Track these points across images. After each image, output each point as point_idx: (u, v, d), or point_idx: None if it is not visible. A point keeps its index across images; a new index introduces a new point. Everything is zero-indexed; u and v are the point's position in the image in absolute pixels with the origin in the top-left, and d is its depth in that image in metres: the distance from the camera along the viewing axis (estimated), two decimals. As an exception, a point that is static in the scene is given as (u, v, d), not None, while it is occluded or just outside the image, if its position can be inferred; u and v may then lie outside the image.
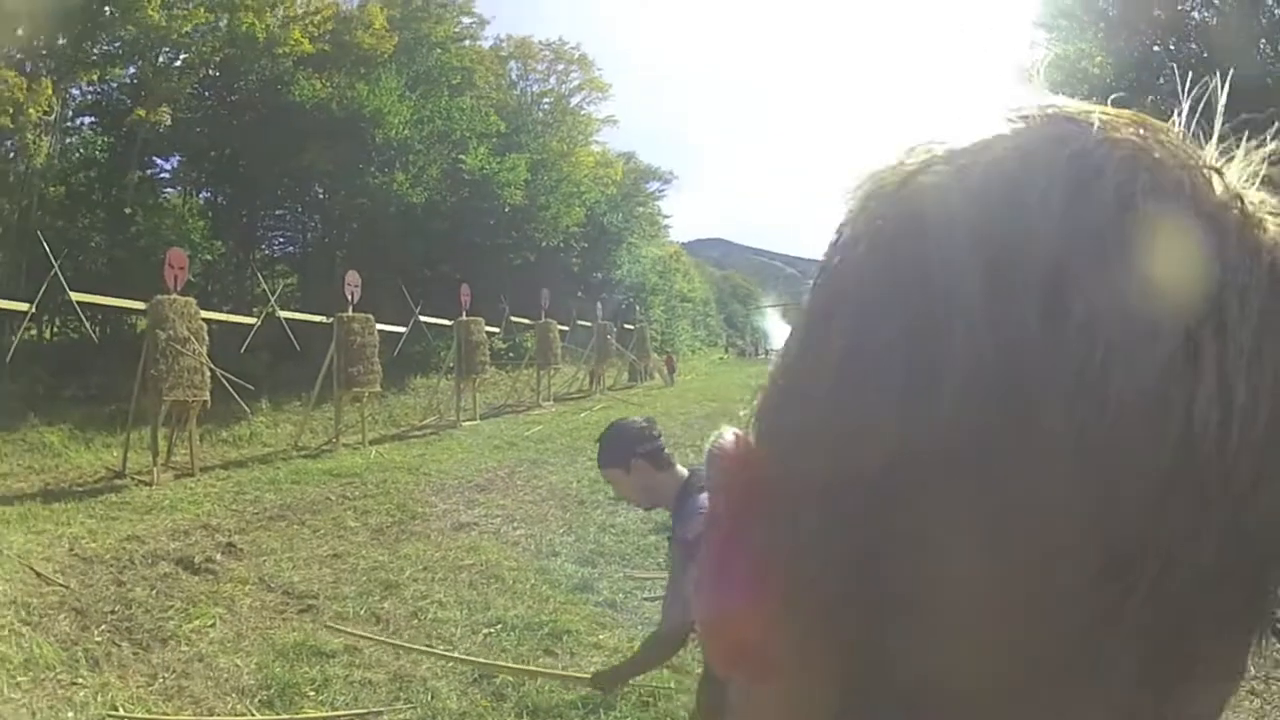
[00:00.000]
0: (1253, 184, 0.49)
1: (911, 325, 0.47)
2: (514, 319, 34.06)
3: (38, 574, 10.62)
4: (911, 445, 0.46)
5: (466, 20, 44.57)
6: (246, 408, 21.30)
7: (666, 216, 69.66)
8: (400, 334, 26.31)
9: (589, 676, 5.57)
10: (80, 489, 16.21)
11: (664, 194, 67.73)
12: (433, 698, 7.72)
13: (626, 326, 48.52)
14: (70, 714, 7.20)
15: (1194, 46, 26.44)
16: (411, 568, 11.45)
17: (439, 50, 40.73)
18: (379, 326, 23.69)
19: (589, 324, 40.84)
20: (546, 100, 55.03)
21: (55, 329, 28.31)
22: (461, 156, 37.58)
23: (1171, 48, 27.15)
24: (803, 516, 0.50)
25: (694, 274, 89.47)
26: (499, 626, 9.35)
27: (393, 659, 8.58)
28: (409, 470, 18.28)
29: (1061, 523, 0.43)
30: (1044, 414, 0.43)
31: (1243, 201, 0.48)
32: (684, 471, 4.39)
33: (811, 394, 0.52)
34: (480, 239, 38.31)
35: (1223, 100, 0.52)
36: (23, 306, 17.24)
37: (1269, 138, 0.51)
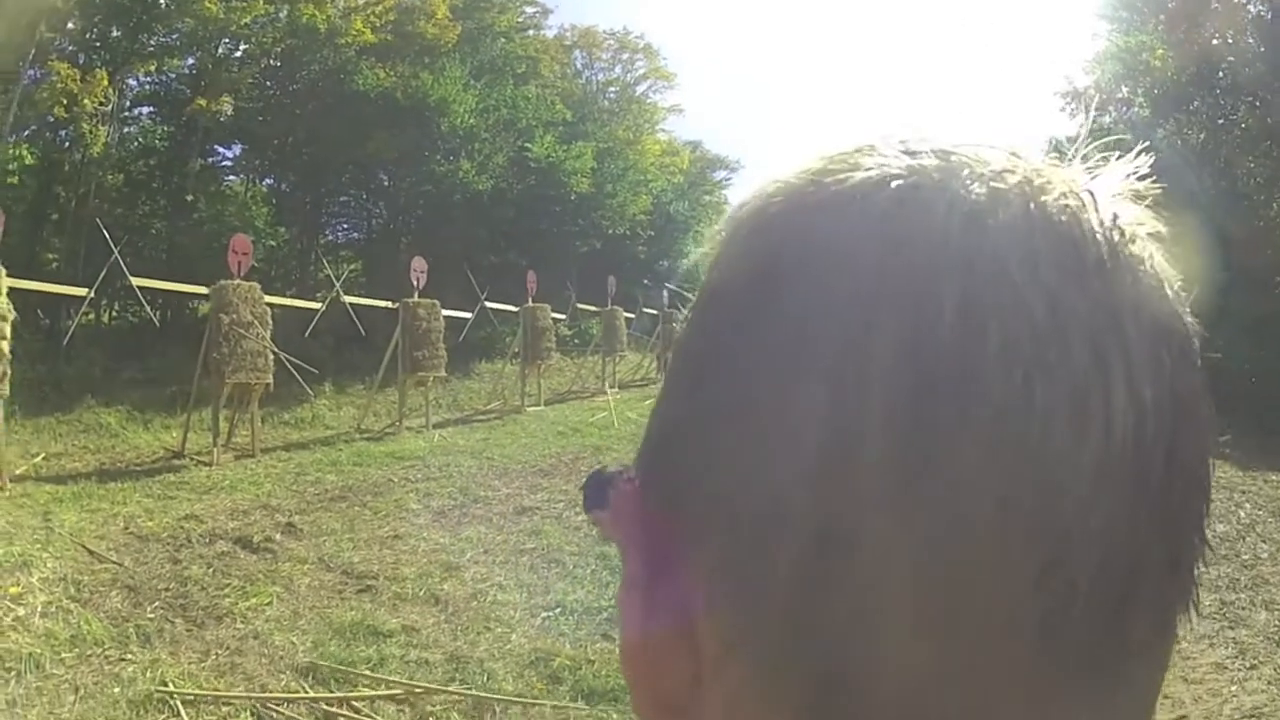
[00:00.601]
0: (1124, 200, 0.53)
1: (825, 369, 0.48)
2: (580, 306, 34.06)
3: (90, 551, 10.57)
4: (838, 494, 0.47)
5: (530, 10, 44.28)
6: (309, 390, 21.28)
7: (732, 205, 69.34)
8: (466, 320, 26.27)
9: None
10: (138, 469, 16.22)
11: (730, 182, 67.20)
12: (488, 679, 7.67)
13: (693, 315, 48.32)
14: (117, 689, 7.11)
15: (1251, 41, 25.94)
16: (472, 550, 11.36)
17: (503, 40, 40.64)
18: (444, 312, 23.60)
19: (655, 311, 40.75)
20: (612, 89, 54.90)
21: (114, 314, 28.51)
22: (527, 145, 37.47)
23: (1230, 40, 26.61)
24: (724, 571, 0.51)
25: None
26: (558, 610, 9.26)
27: (450, 640, 8.47)
28: (472, 454, 18.14)
29: (998, 536, 0.45)
30: (972, 436, 0.45)
31: (1117, 220, 0.51)
32: None
33: (718, 444, 0.52)
34: (547, 226, 38.26)
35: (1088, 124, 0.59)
36: (81, 291, 17.36)
37: (1132, 157, 0.55)
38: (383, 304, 23.26)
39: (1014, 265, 0.47)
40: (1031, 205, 0.49)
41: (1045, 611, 0.45)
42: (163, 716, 6.76)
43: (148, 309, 21.74)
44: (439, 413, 24.03)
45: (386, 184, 36.14)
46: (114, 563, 10.24)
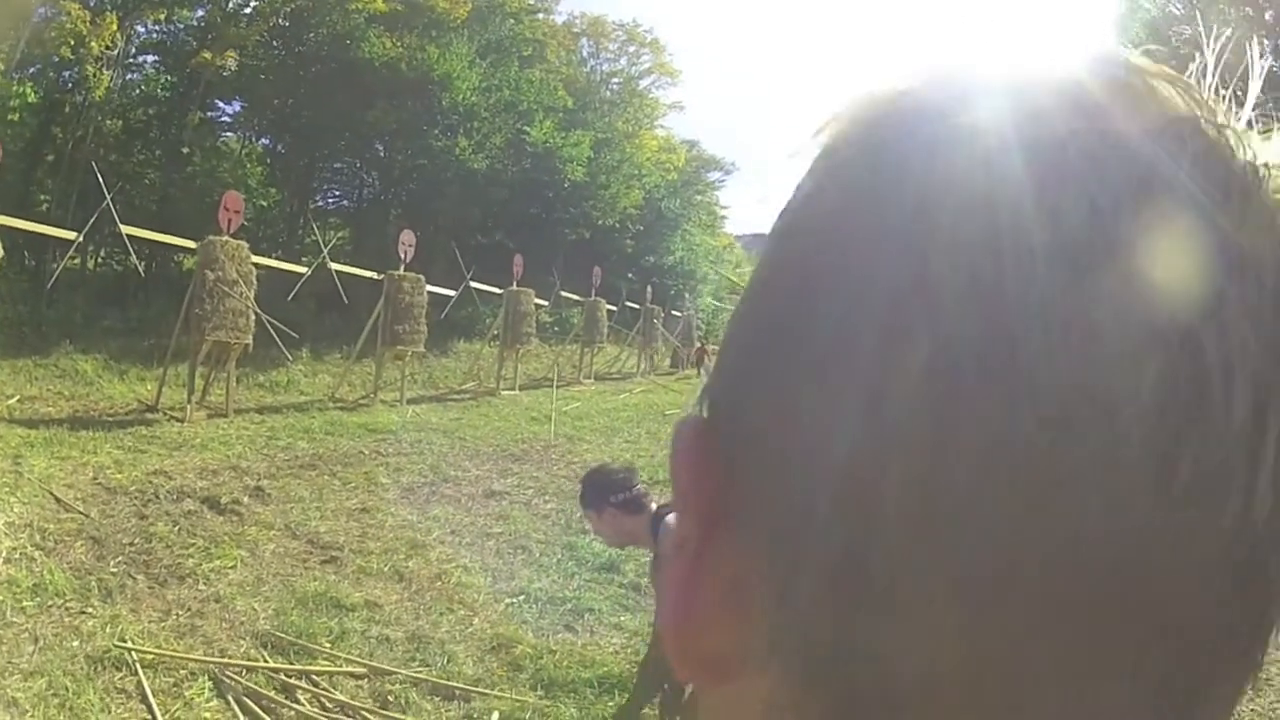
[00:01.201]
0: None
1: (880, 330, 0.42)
2: (564, 294, 34.03)
3: (58, 500, 10.51)
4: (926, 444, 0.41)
5: (542, -7, 44.23)
6: (288, 355, 21.20)
7: (724, 207, 69.22)
8: (449, 297, 26.22)
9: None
10: (110, 419, 16.16)
11: (724, 185, 67.25)
12: (449, 661, 7.64)
13: (674, 313, 48.44)
14: (76, 642, 7.06)
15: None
16: (439, 530, 11.33)
17: (512, 21, 40.58)
18: (428, 288, 23.57)
19: (637, 306, 40.79)
20: (615, 80, 54.86)
21: (100, 260, 28.32)
22: (526, 128, 37.45)
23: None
24: (778, 521, 0.46)
25: (746, 267, 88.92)
26: (522, 598, 9.22)
27: (412, 618, 8.46)
28: (444, 433, 18.12)
29: (1081, 503, 0.39)
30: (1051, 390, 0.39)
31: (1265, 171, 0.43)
32: (654, 507, 4.62)
33: (786, 382, 0.46)
34: (538, 211, 38.30)
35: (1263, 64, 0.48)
36: (70, 235, 17.24)
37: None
38: (368, 274, 23.19)
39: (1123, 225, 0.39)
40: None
41: (1097, 600, 0.39)
42: (120, 674, 6.71)
43: (134, 258, 21.58)
44: (414, 388, 24.06)
45: (382, 154, 35.99)
46: (80, 513, 10.18)
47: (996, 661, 0.41)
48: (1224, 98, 0.46)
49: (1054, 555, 0.39)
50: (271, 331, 18.57)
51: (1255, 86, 0.46)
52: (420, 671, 7.36)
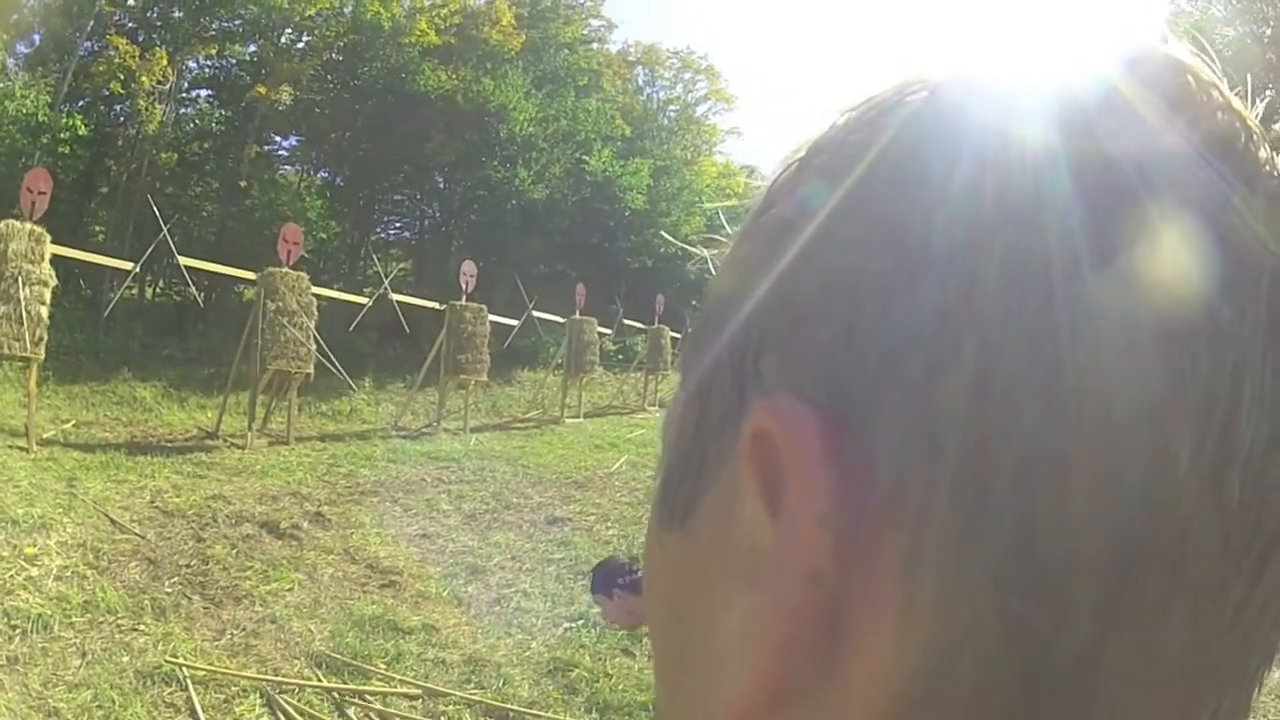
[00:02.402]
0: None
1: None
2: (626, 322, 33.88)
3: (113, 521, 10.48)
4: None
5: (595, 23, 44.28)
6: (350, 384, 21.22)
7: (783, 232, 69.30)
8: (511, 326, 26.16)
9: None
10: (169, 445, 16.16)
11: (785, 210, 67.29)
12: (505, 684, 7.56)
13: (740, 338, 48.41)
14: (126, 658, 7.02)
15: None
16: (500, 555, 11.25)
17: (566, 51, 40.64)
18: (491, 318, 23.53)
19: (702, 333, 40.68)
20: (672, 108, 54.78)
21: (158, 290, 28.72)
22: (585, 157, 37.47)
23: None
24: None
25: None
26: (580, 622, 9.09)
27: (470, 642, 8.35)
28: (508, 460, 18.00)
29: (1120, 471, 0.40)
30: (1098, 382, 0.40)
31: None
32: None
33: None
34: (599, 240, 38.29)
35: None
36: (127, 265, 17.35)
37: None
38: (430, 304, 23.19)
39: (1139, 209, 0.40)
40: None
41: (1160, 554, 0.40)
42: (169, 690, 6.65)
43: (192, 288, 21.74)
44: (477, 417, 23.98)
45: (441, 186, 36.15)
46: (136, 534, 10.15)
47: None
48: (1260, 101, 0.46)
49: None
50: (330, 365, 18.57)
51: None
52: (475, 694, 7.27)
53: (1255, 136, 0.43)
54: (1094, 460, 0.39)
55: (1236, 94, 0.45)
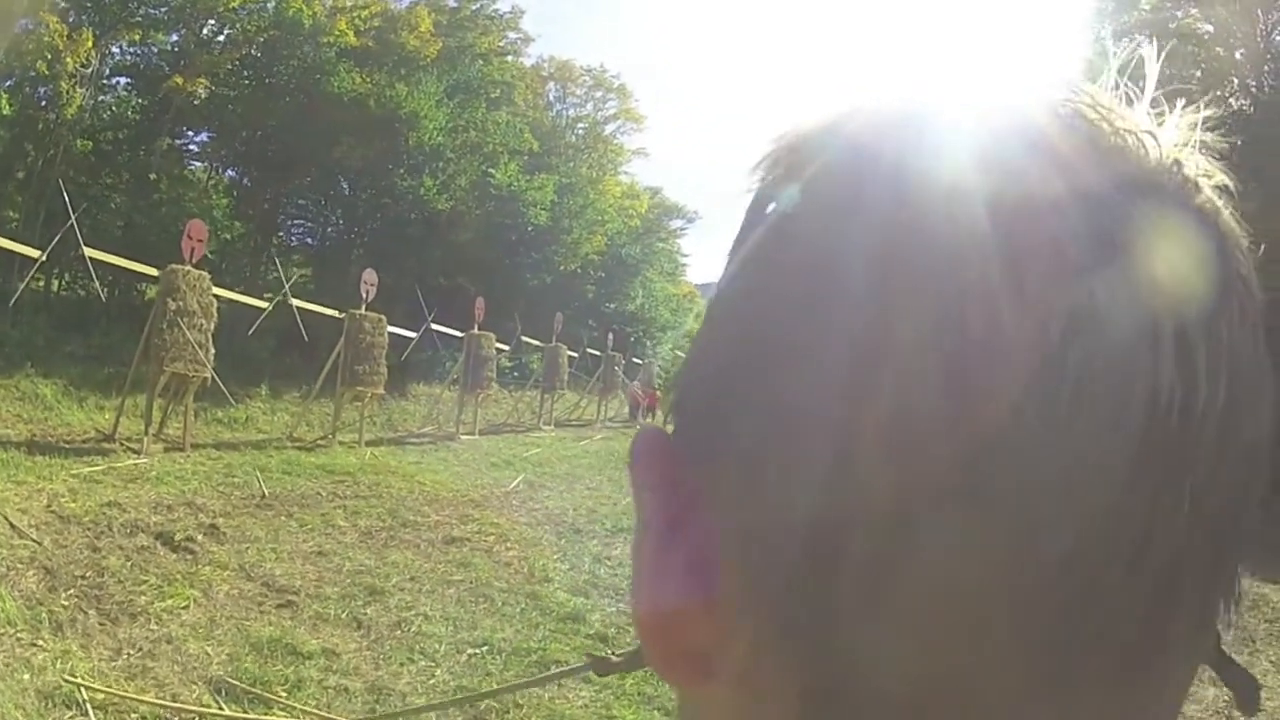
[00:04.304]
0: (1189, 149, 0.48)
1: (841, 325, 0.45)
2: (525, 339, 33.69)
3: (11, 525, 10.19)
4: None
5: (512, 35, 44.23)
6: (232, 400, 21.11)
7: (685, 255, 69.30)
8: (410, 339, 25.99)
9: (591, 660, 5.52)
10: (67, 446, 15.79)
11: (685, 232, 67.37)
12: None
13: (635, 360, 48.40)
14: (27, 676, 6.80)
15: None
16: (398, 576, 11.09)
17: (481, 61, 40.50)
18: (389, 329, 23.33)
19: (598, 353, 40.70)
20: (581, 125, 54.88)
21: (64, 283, 28.05)
22: (491, 170, 37.37)
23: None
24: (743, 509, 0.48)
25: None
26: (485, 648, 9.01)
27: (372, 668, 8.21)
28: (403, 476, 17.84)
29: (1037, 501, 0.41)
30: (1010, 400, 0.42)
31: (1180, 166, 0.47)
32: None
33: (745, 394, 0.49)
34: (500, 255, 38.10)
35: (1156, 64, 0.51)
36: (34, 253, 16.94)
37: (1202, 105, 0.49)
38: (330, 312, 22.88)
39: (1060, 219, 0.42)
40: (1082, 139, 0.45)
41: (1067, 606, 0.41)
42: (71, 713, 6.45)
43: (96, 283, 21.29)
44: (373, 430, 23.77)
45: (347, 192, 35.86)
46: (34, 540, 9.88)
47: (977, 677, 0.42)
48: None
49: (1019, 583, 0.41)
50: (218, 380, 18.28)
51: (1150, 86, 0.50)
52: (381, 725, 7.13)
53: (1175, 178, 0.45)
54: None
55: (1186, 113, 0.48)
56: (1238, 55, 25.82)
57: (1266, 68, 25.67)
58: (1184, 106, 0.49)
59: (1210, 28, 25.98)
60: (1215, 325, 0.43)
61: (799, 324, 0.46)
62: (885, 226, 0.44)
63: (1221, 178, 0.47)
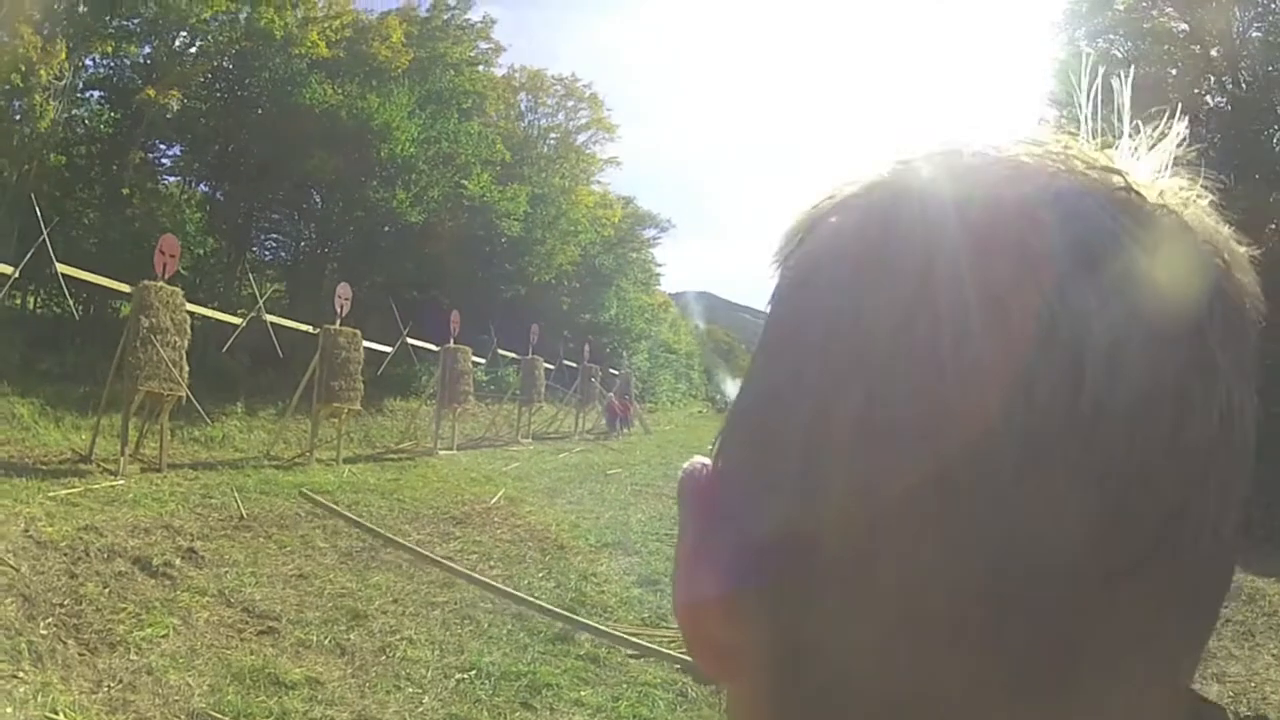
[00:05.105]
0: (1165, 172, 0.51)
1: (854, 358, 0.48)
2: (501, 352, 33.53)
3: (-9, 552, 9.96)
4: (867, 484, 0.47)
5: (483, 45, 44.09)
6: (207, 419, 20.78)
7: (659, 265, 69.42)
8: (385, 353, 25.71)
9: None
10: (44, 468, 15.59)
11: (659, 242, 67.37)
12: None
13: (612, 371, 48.23)
14: (10, 709, 6.59)
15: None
16: (381, 598, 10.88)
17: (452, 72, 40.31)
18: (364, 344, 23.09)
19: (574, 365, 40.56)
20: (553, 135, 54.74)
21: (40, 300, 27.66)
22: (464, 181, 37.11)
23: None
24: (739, 518, 0.54)
25: (680, 325, 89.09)
26: (473, 673, 8.80)
27: (357, 696, 8.00)
28: (382, 494, 17.64)
29: (1011, 510, 0.43)
30: (983, 410, 0.43)
31: (1159, 185, 0.49)
32: None
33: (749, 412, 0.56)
34: (474, 267, 37.88)
35: (1127, 97, 0.53)
36: (7, 269, 16.67)
37: (1169, 127, 0.52)
38: (304, 327, 22.67)
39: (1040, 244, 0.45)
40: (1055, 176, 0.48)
41: (1042, 613, 0.43)
42: (54, 751, 6.27)
43: (69, 300, 20.98)
44: (350, 447, 23.57)
45: (319, 205, 35.59)
46: (11, 567, 9.64)
47: (953, 681, 0.44)
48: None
49: (990, 589, 0.43)
50: (193, 398, 18.05)
51: (1127, 120, 0.52)
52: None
53: (1152, 194, 0.48)
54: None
55: (1163, 127, 0.51)
56: (1213, 53, 25.82)
57: (1242, 65, 25.68)
58: (1164, 119, 0.51)
59: (1185, 26, 25.99)
60: (1195, 335, 0.44)
61: (780, 364, 0.53)
62: (858, 257, 0.49)
63: (1199, 191, 0.49)
